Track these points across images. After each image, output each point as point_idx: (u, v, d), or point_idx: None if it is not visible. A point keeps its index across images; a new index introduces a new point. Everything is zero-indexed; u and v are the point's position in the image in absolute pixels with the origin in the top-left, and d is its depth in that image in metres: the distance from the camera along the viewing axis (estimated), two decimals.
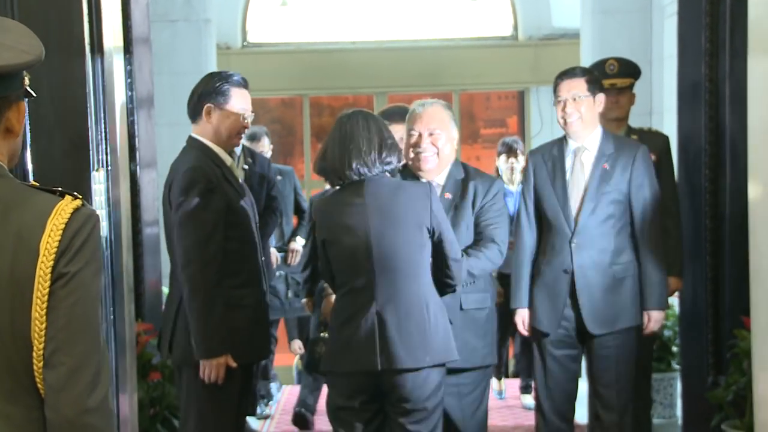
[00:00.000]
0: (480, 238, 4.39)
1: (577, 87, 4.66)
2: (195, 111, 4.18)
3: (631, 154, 4.69)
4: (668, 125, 6.42)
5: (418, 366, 3.89)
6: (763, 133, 3.89)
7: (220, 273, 4.00)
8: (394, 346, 3.87)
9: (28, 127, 3.82)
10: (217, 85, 4.16)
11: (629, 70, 5.38)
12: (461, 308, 4.34)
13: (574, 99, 4.65)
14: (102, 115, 3.98)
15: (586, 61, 8.18)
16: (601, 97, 4.72)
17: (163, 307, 4.46)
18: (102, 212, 3.91)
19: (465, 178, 4.43)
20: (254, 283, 4.18)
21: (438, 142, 4.33)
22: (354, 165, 3.92)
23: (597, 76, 4.83)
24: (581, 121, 4.67)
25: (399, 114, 4.70)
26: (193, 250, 3.97)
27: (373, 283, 3.91)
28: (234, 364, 4.02)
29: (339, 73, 10.51)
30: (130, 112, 4.92)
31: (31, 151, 3.78)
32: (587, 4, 8.54)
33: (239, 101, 4.18)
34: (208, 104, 4.14)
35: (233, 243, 4.07)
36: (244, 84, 4.24)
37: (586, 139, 4.71)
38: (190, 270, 3.97)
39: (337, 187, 4.09)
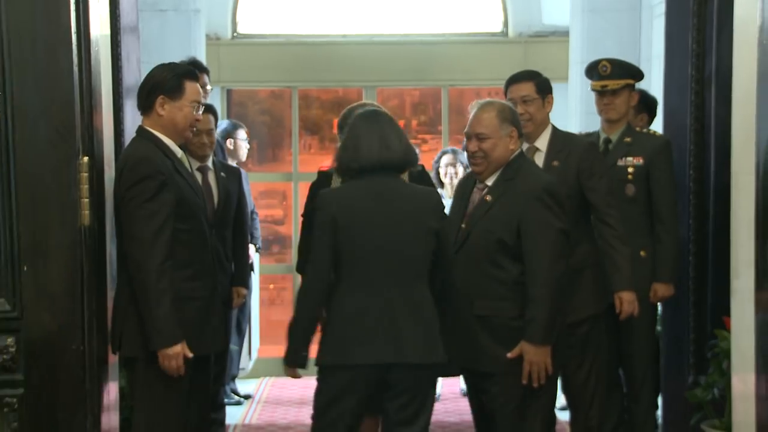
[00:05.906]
0: None
1: (525, 90, 4.86)
2: (146, 103, 4.16)
3: (579, 148, 4.86)
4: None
5: (425, 362, 3.98)
6: (747, 134, 3.90)
7: (172, 265, 3.99)
8: (405, 340, 3.95)
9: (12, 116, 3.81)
10: (170, 77, 4.14)
11: (623, 72, 5.33)
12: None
13: (524, 101, 4.84)
14: (88, 103, 3.95)
15: (575, 58, 8.20)
16: (549, 99, 4.90)
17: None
18: (86, 201, 3.90)
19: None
20: (205, 275, 4.19)
21: None
22: (389, 160, 4.03)
23: (545, 80, 4.95)
24: (532, 122, 4.83)
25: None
26: (144, 242, 3.96)
27: (385, 276, 3.97)
28: (190, 354, 4.02)
29: (328, 66, 10.48)
30: (116, 101, 4.90)
31: (15, 139, 3.77)
32: (577, 2, 8.54)
33: (191, 93, 4.17)
34: (161, 96, 4.13)
35: (183, 235, 4.07)
36: (195, 76, 4.22)
37: (538, 139, 4.88)
38: (142, 261, 3.96)
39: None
